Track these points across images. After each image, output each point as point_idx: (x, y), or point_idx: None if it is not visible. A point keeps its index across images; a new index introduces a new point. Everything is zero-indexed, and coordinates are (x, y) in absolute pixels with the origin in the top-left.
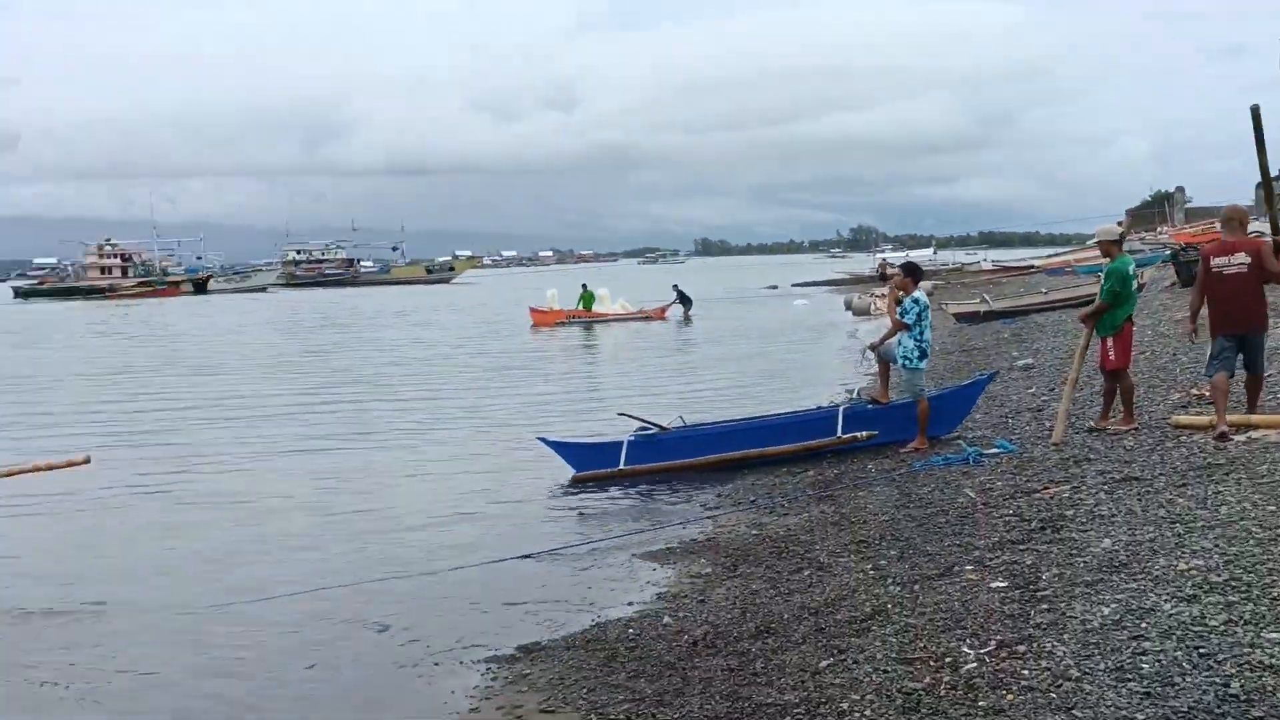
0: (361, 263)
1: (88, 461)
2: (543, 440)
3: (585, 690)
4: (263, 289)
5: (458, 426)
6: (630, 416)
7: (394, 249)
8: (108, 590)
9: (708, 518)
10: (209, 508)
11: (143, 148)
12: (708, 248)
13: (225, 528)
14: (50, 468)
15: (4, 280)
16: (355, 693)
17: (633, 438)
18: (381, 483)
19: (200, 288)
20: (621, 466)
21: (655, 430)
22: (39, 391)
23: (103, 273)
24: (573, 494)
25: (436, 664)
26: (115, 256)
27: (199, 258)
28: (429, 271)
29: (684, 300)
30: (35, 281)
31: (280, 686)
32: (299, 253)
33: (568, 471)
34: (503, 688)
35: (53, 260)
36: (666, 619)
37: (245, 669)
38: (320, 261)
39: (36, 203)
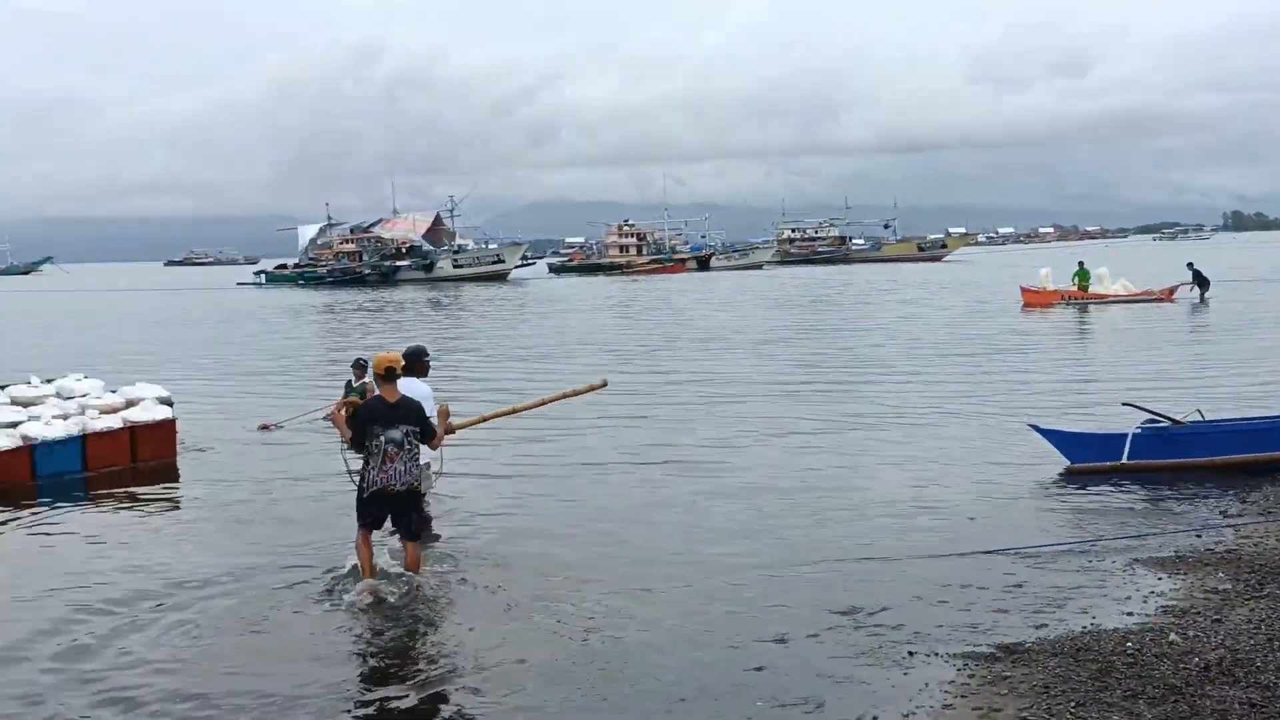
0: (853, 240)
1: (604, 384)
2: (1035, 428)
3: (1073, 704)
4: (759, 266)
5: (943, 409)
6: (1136, 407)
7: (885, 226)
8: (593, 550)
9: (1228, 526)
10: (686, 478)
11: (657, 135)
12: (1239, 222)
13: (698, 499)
14: (575, 393)
15: (542, 257)
16: (822, 671)
17: (1139, 430)
18: (860, 463)
19: (704, 264)
20: (1125, 460)
21: (1167, 423)
22: (553, 359)
23: (621, 251)
24: (1066, 487)
25: (910, 652)
26: (632, 236)
27: (703, 236)
28: (920, 249)
29: (1200, 281)
30: (566, 259)
31: (743, 657)
32: (793, 231)
33: (1060, 463)
34: (979, 687)
35: (581, 239)
36: (1173, 636)
37: (707, 639)
38: (813, 239)
39: (568, 187)
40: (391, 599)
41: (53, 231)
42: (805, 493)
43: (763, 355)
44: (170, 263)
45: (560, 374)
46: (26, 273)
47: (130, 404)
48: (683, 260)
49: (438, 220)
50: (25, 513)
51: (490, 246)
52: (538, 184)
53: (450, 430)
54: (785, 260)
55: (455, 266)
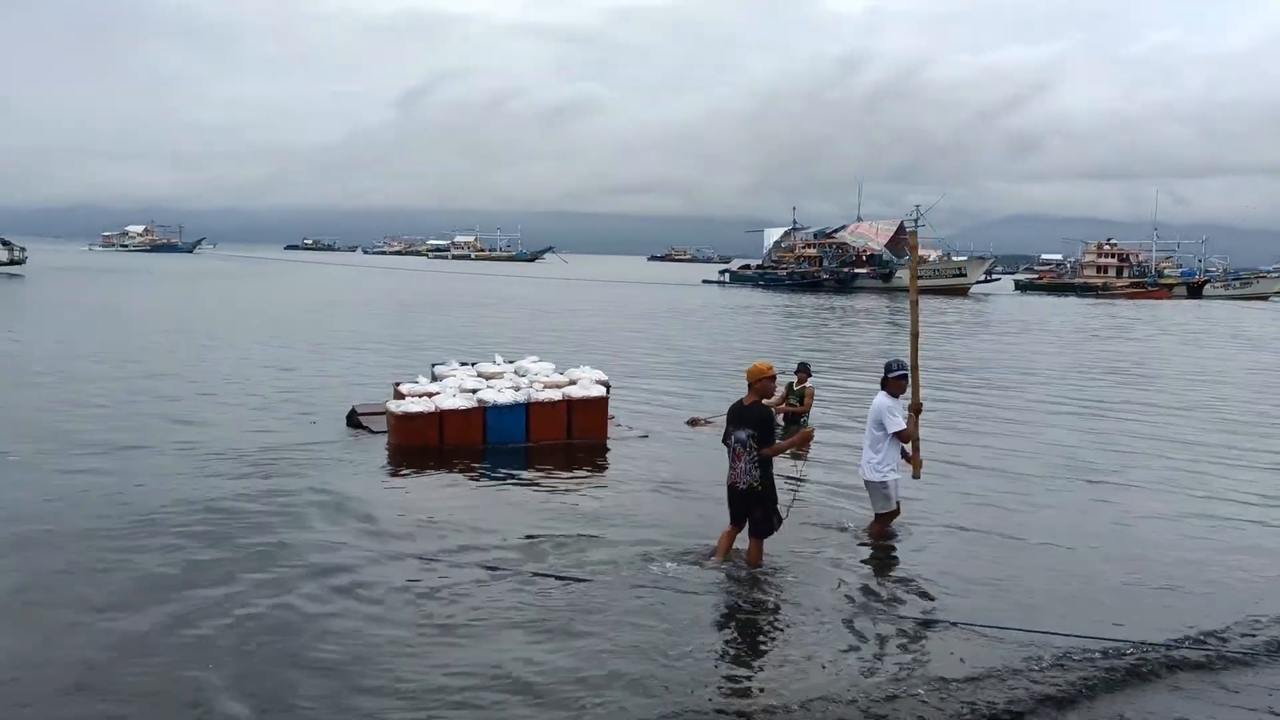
0: None
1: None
2: None
3: None
4: (1264, 297)
5: None
6: None
7: None
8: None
9: None
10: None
11: (1155, 147)
12: None
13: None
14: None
15: (1012, 273)
16: None
17: None
18: None
19: (1194, 291)
20: None
21: None
22: (1004, 384)
23: (1098, 271)
24: None
25: None
26: (1113, 256)
27: (1199, 260)
28: None
29: None
30: (1035, 276)
31: None
32: None
33: None
34: None
35: (1058, 256)
36: None
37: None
38: None
39: (1049, 201)
40: (723, 578)
41: (555, 224)
42: None
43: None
44: (653, 258)
45: (1009, 400)
46: (532, 259)
47: (572, 383)
48: (1169, 286)
49: (900, 229)
50: (477, 469)
51: (955, 258)
52: (1016, 196)
53: (778, 449)
54: None
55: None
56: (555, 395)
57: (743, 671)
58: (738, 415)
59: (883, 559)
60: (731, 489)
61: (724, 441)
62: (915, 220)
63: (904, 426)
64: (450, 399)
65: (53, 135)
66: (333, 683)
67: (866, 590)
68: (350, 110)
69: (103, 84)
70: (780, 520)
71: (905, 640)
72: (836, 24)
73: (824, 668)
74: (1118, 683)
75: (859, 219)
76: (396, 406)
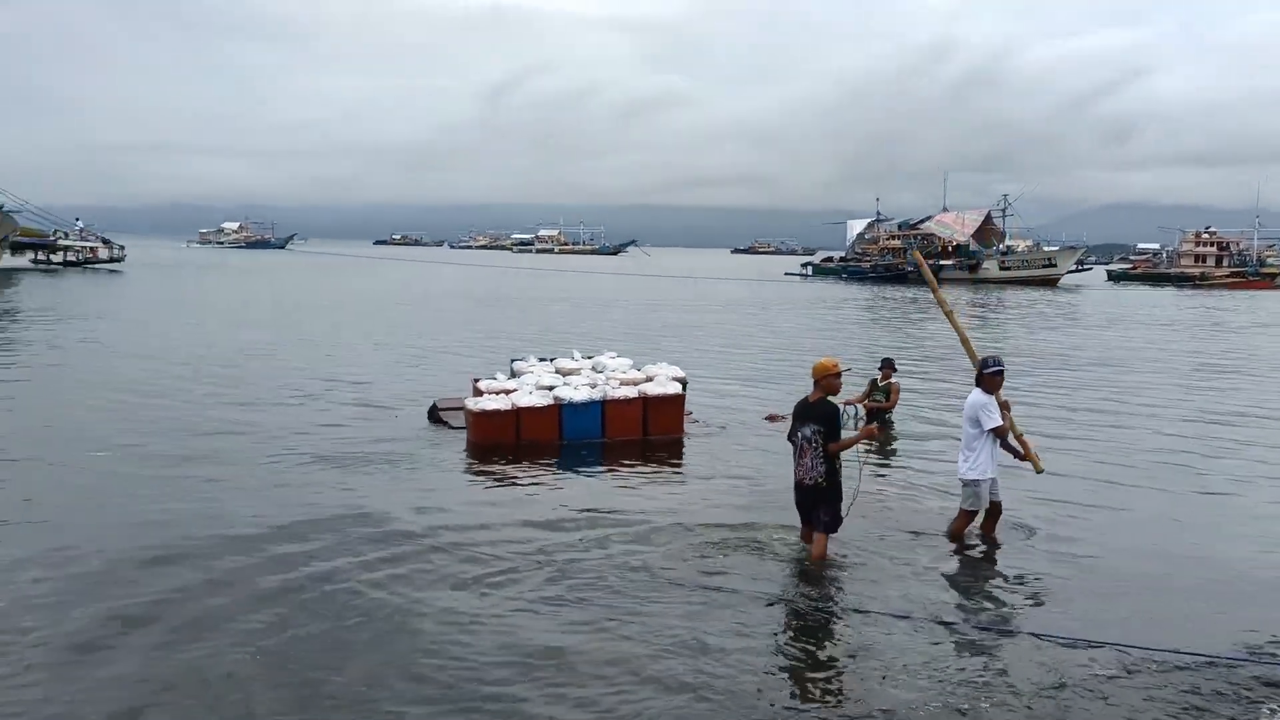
0: None
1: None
2: None
3: None
4: None
5: None
6: None
7: None
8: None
9: None
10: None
11: (1258, 131)
12: None
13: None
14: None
15: (1107, 263)
16: None
17: None
18: None
19: None
20: None
21: None
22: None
23: (1196, 261)
24: None
25: None
26: (1211, 245)
27: None
28: None
29: None
30: (1129, 266)
31: None
32: None
33: None
34: None
35: (1154, 246)
36: None
37: None
38: None
39: (1145, 189)
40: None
41: (638, 217)
42: None
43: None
44: (736, 250)
45: (1090, 399)
46: (615, 253)
47: (648, 379)
48: (1271, 275)
49: (988, 219)
50: (552, 465)
51: (1046, 248)
52: (1112, 185)
53: (843, 445)
54: None
55: (1002, 268)
56: (631, 392)
57: (816, 675)
58: (803, 412)
59: (958, 561)
60: (799, 486)
61: (789, 439)
62: (1003, 210)
63: (999, 423)
64: (527, 396)
65: (150, 134)
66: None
67: (944, 594)
68: (435, 105)
69: (195, 83)
70: (840, 520)
71: (981, 650)
72: (923, 11)
73: (898, 675)
74: (1207, 703)
75: (944, 209)
76: (474, 404)
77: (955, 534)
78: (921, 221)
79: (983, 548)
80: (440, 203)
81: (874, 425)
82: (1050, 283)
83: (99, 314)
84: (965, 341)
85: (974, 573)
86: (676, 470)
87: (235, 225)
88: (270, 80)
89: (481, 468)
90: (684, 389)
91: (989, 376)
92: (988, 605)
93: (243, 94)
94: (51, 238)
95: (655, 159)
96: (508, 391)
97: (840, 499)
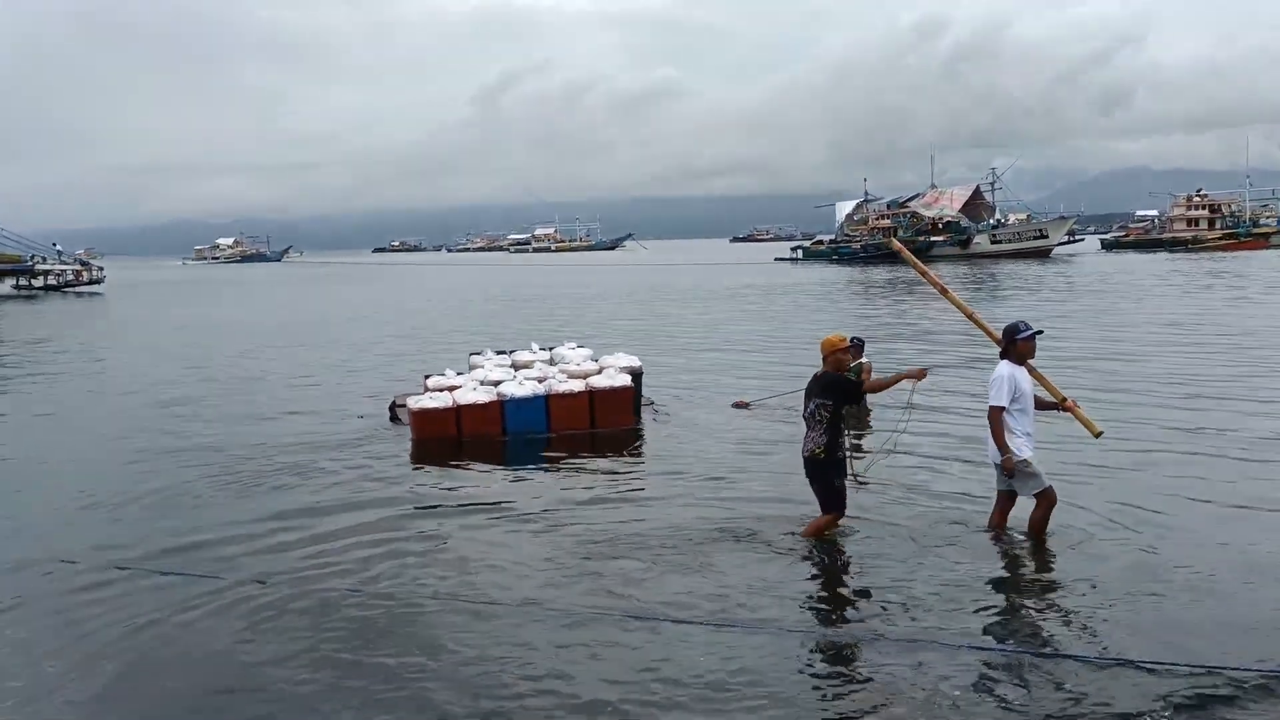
0: None
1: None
2: None
3: None
4: None
5: None
6: None
7: None
8: None
9: None
10: None
11: (1259, 93)
12: None
13: None
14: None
15: (1105, 233)
16: None
17: None
18: None
19: None
20: None
21: None
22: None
23: (1188, 225)
24: None
25: None
26: (1203, 208)
27: None
28: None
29: None
30: (1123, 234)
31: None
32: None
33: None
34: None
35: (1153, 212)
36: None
37: None
38: None
39: (1145, 155)
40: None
41: (635, 211)
42: None
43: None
44: (735, 239)
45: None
46: (611, 248)
47: (597, 372)
48: (1265, 235)
49: (977, 194)
50: (496, 463)
51: (1037, 219)
52: (1110, 153)
53: (873, 387)
54: None
55: (993, 242)
56: (577, 386)
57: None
58: (810, 387)
59: (1021, 565)
60: (805, 462)
61: (803, 416)
62: (992, 184)
63: (997, 402)
64: (470, 393)
65: (152, 155)
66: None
67: (1009, 608)
68: (432, 112)
69: (197, 102)
70: (834, 491)
71: (1059, 677)
72: None
73: (955, 706)
74: None
75: (932, 186)
76: (414, 402)
77: (1037, 527)
78: (910, 199)
79: (1026, 543)
80: (439, 207)
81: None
82: (1043, 254)
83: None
84: (972, 317)
85: (1020, 579)
86: (616, 459)
87: (230, 240)
88: (273, 96)
89: (418, 465)
90: (639, 379)
91: (1022, 342)
92: (1048, 621)
93: (246, 114)
94: (29, 263)
95: (651, 152)
96: (453, 388)
97: (841, 474)
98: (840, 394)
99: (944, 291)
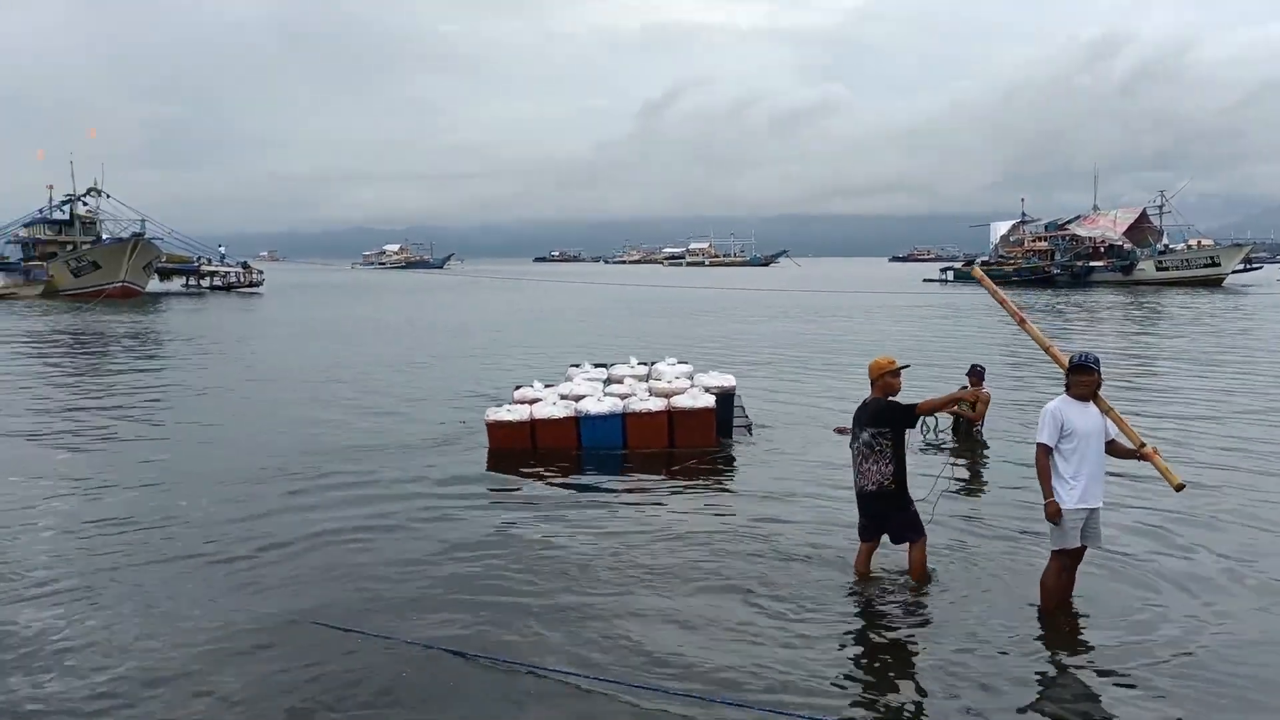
0: None
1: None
2: None
3: None
4: None
5: None
6: None
7: None
8: None
9: None
10: None
11: None
12: None
13: None
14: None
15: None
16: None
17: None
18: None
19: None
20: None
21: None
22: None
23: None
24: None
25: None
26: None
27: None
28: None
29: None
30: None
31: None
32: None
33: None
34: None
35: None
36: None
37: None
38: None
39: None
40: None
41: (792, 227)
42: None
43: None
44: (894, 258)
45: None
46: (766, 264)
47: (680, 391)
48: None
49: (1143, 217)
50: (570, 475)
51: (1213, 245)
52: None
53: (927, 408)
54: None
55: (1159, 269)
56: (656, 405)
57: None
58: (859, 415)
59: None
60: (861, 496)
61: (850, 447)
62: (1160, 207)
63: (1043, 440)
64: (548, 407)
65: (330, 163)
66: None
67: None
68: (596, 124)
69: (371, 114)
70: (920, 522)
71: None
72: (1093, 7)
73: None
74: None
75: (1095, 208)
76: (490, 415)
77: (1043, 584)
78: (1069, 221)
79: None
80: (599, 218)
81: (977, 390)
82: (1214, 283)
83: (236, 338)
84: (1049, 350)
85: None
86: (685, 482)
87: (396, 247)
88: (440, 109)
89: (492, 471)
90: (729, 399)
91: (1070, 374)
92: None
93: (416, 123)
94: (196, 263)
95: (813, 168)
96: (535, 401)
97: (911, 502)
98: (896, 420)
99: (1022, 322)
